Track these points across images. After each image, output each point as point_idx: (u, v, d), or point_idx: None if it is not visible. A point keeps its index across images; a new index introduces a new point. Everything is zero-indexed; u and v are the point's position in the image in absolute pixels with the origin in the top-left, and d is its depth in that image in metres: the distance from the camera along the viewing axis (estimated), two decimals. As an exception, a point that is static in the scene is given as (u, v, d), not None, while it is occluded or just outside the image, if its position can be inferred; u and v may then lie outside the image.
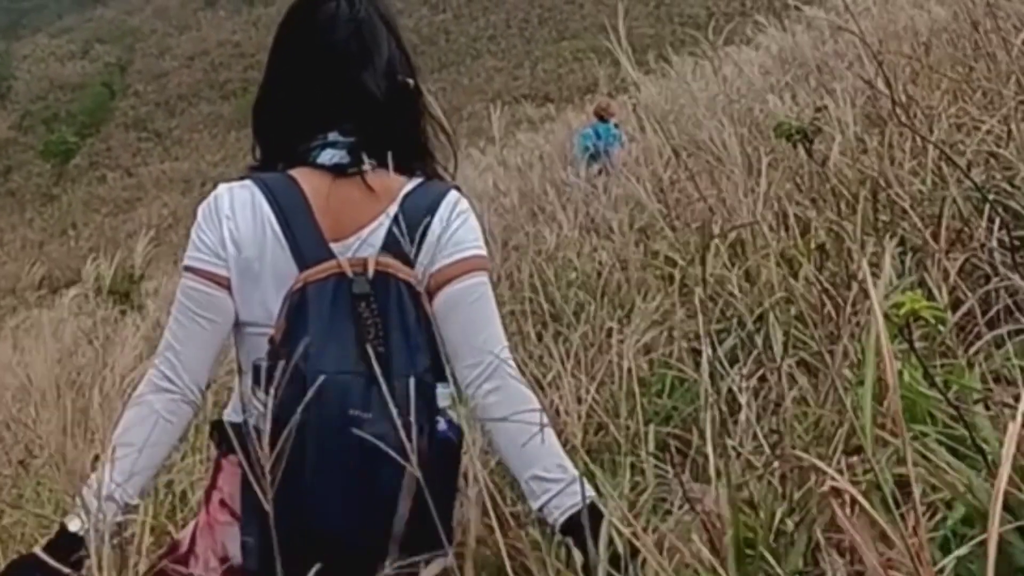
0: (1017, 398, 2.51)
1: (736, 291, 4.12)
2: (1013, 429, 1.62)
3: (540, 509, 2.31)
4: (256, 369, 2.21)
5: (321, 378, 2.08)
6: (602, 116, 13.00)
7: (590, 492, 2.26)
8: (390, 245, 2.28)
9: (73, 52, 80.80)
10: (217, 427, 2.46)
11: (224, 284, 2.30)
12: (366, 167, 2.22)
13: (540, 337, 4.86)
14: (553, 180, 9.80)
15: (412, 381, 2.13)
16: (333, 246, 2.27)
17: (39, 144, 68.67)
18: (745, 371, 3.38)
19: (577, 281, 5.61)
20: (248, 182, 2.35)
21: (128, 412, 2.33)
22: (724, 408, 3.19)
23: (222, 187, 2.37)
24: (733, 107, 6.94)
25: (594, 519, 2.19)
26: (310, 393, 2.04)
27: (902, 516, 1.94)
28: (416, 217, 2.29)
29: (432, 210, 2.32)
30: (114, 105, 73.01)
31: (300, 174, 2.34)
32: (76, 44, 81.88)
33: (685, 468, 3.17)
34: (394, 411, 2.03)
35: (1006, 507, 2.06)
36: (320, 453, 2.12)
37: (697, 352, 3.72)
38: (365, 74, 2.33)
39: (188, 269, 2.34)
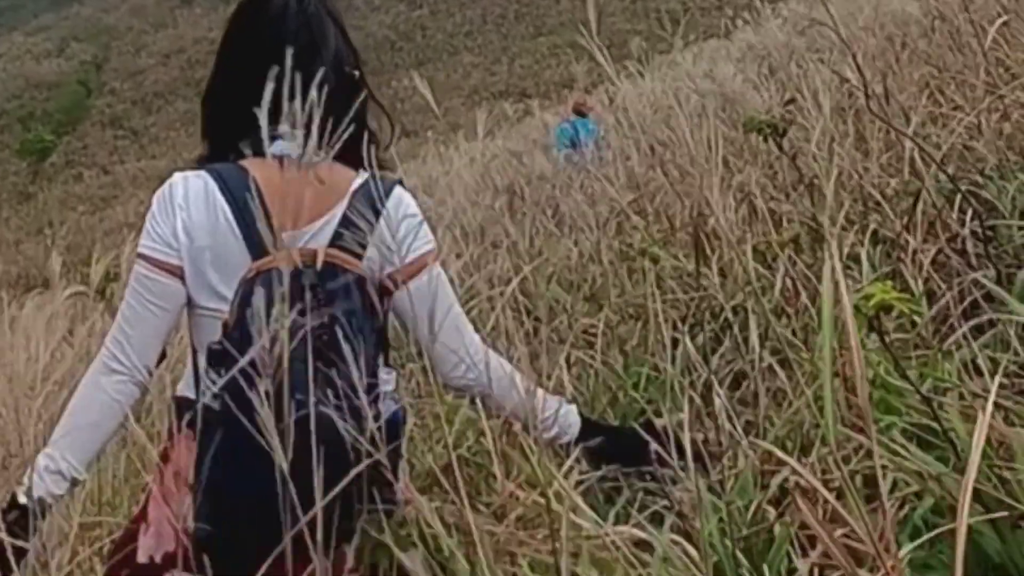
0: (986, 389, 2.53)
1: (712, 284, 4.12)
2: (982, 421, 1.63)
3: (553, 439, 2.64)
4: (210, 351, 2.26)
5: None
6: (580, 111, 13.00)
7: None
8: (339, 239, 2.37)
9: (49, 50, 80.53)
10: (176, 403, 2.52)
11: (175, 272, 2.38)
12: (316, 159, 2.14)
13: (517, 331, 4.85)
14: (530, 175, 9.78)
15: (358, 367, 2.10)
16: (284, 235, 2.21)
17: (15, 143, 68.40)
18: (720, 364, 3.38)
19: (554, 276, 5.60)
20: (202, 172, 2.41)
21: (79, 392, 2.43)
22: (700, 401, 3.19)
23: (176, 176, 2.43)
24: (707, 101, 6.95)
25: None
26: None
27: (872, 509, 1.95)
28: (365, 213, 2.35)
29: (380, 208, 2.39)
30: (90, 103, 72.77)
31: (252, 164, 2.36)
32: (52, 42, 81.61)
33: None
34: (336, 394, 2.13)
35: (976, 498, 2.06)
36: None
37: (673, 346, 3.72)
38: (313, 66, 2.26)
39: (141, 256, 2.41)
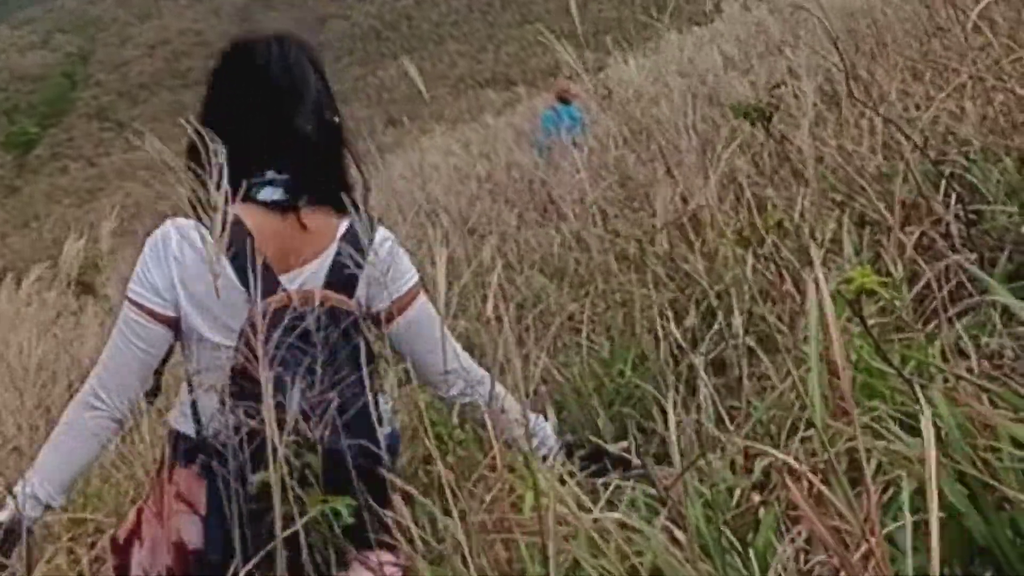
0: (970, 371, 2.53)
1: (696, 269, 4.13)
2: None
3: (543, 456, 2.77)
4: (222, 391, 2.40)
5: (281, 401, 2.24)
6: (564, 98, 12.99)
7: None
8: (332, 280, 2.52)
9: (34, 43, 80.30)
10: (171, 437, 2.63)
11: (163, 320, 2.49)
12: (302, 204, 2.41)
13: (500, 319, 4.85)
14: (516, 163, 9.79)
15: (364, 400, 2.44)
16: (282, 279, 2.47)
17: (0, 136, 68.19)
18: (705, 349, 3.38)
19: (539, 263, 5.61)
20: (193, 221, 2.43)
21: (60, 424, 2.57)
22: (684, 386, 3.20)
23: (169, 227, 2.51)
24: (692, 87, 6.95)
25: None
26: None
27: (857, 493, 1.95)
28: (353, 256, 2.48)
29: (366, 250, 2.47)
30: (75, 95, 72.63)
31: (243, 211, 2.46)
32: (37, 35, 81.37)
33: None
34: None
35: (960, 480, 2.07)
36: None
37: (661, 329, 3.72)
38: (296, 113, 2.52)
39: (131, 302, 2.50)
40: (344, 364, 2.46)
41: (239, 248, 2.42)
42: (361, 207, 2.52)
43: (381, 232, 2.63)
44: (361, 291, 2.57)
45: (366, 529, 2.39)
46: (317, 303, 2.45)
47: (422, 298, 2.69)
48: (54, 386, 6.32)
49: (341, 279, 2.52)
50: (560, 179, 7.44)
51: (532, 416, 2.70)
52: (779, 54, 7.84)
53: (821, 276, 1.67)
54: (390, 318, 2.61)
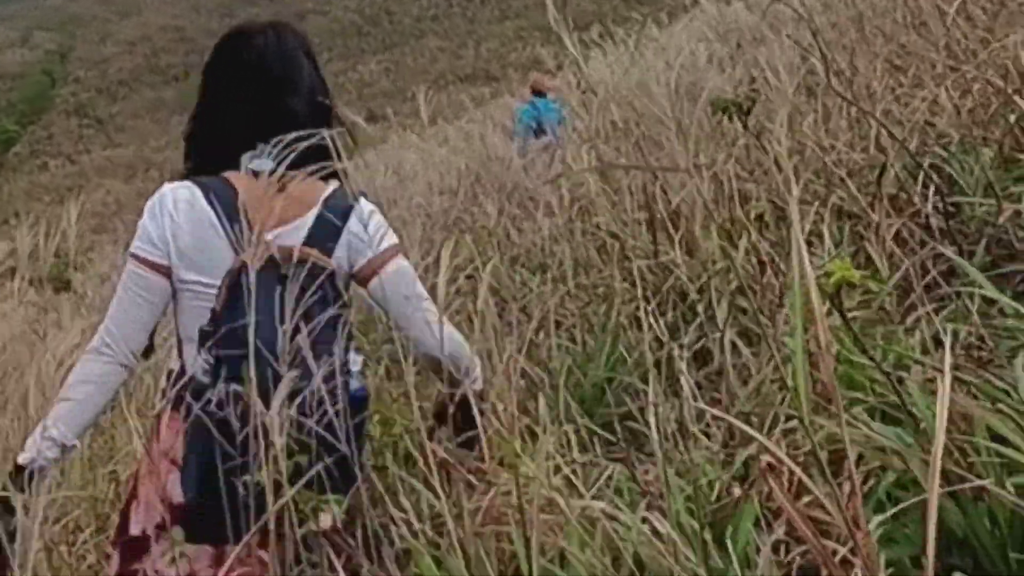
0: (954, 361, 2.55)
1: (677, 263, 4.14)
2: (943, 391, 1.64)
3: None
4: (202, 332, 2.65)
5: (258, 343, 2.39)
6: (539, 91, 13.01)
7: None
8: (312, 238, 2.72)
9: (13, 40, 79.91)
10: (169, 377, 2.84)
11: (161, 271, 2.70)
12: (291, 174, 2.50)
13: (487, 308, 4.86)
14: (494, 158, 9.78)
15: (333, 349, 2.59)
16: (267, 235, 2.61)
17: (-21, 134, 67.91)
18: (687, 341, 3.40)
19: (521, 258, 5.61)
20: (188, 183, 2.73)
21: (74, 371, 2.75)
22: (666, 378, 3.21)
23: (166, 187, 2.76)
24: (673, 80, 6.95)
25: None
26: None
27: (839, 484, 1.96)
28: (335, 217, 2.74)
29: (347, 214, 2.75)
30: (55, 92, 72.32)
31: (234, 177, 2.74)
32: (17, 32, 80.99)
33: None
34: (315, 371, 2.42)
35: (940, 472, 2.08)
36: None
37: (639, 325, 3.73)
38: (290, 98, 2.77)
39: (133, 256, 2.73)
40: (316, 315, 2.57)
41: (226, 205, 2.67)
42: (345, 179, 2.77)
43: (362, 202, 2.80)
44: (342, 252, 2.74)
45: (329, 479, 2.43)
46: (296, 257, 2.59)
47: (400, 259, 2.83)
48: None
49: (321, 238, 2.72)
50: (540, 173, 7.44)
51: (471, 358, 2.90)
52: (759, 47, 7.85)
53: (807, 263, 1.68)
54: (371, 275, 2.77)
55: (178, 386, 2.68)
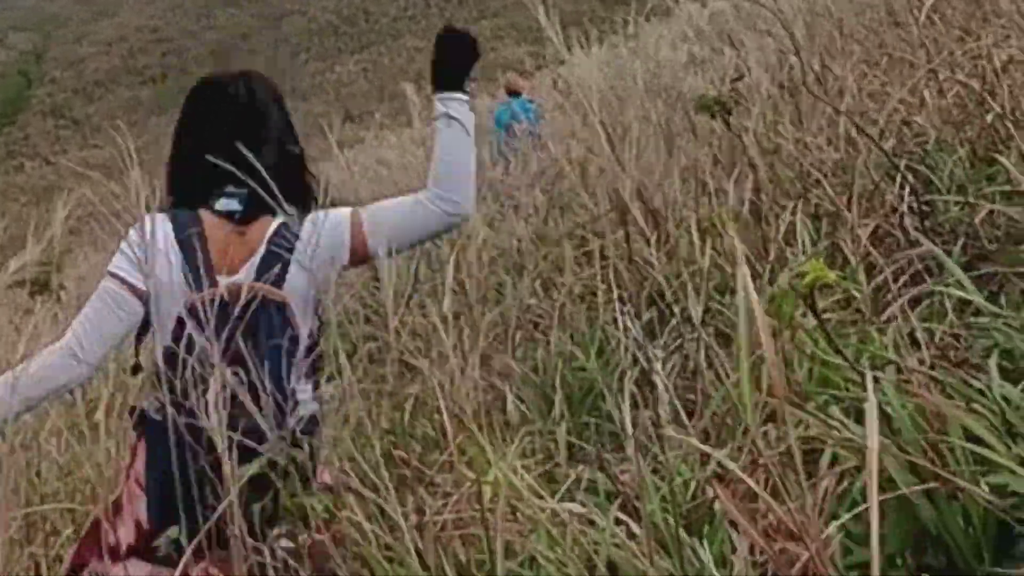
0: (922, 362, 2.56)
1: (655, 263, 4.14)
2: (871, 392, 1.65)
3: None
4: (157, 367, 2.76)
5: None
6: (514, 91, 13.11)
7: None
8: (260, 275, 2.86)
9: (-12, 41, 79.58)
10: (133, 413, 3.02)
11: (137, 293, 2.88)
12: (252, 215, 2.85)
13: (459, 316, 4.87)
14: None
15: (280, 381, 2.72)
16: (221, 276, 2.86)
17: (-44, 135, 67.55)
18: (663, 342, 3.40)
19: (499, 259, 5.61)
20: (165, 215, 2.92)
21: (40, 356, 2.85)
22: (642, 378, 3.21)
23: (152, 216, 2.87)
24: (652, 80, 6.96)
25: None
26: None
27: (813, 484, 1.96)
28: (281, 250, 2.89)
29: (293, 243, 2.90)
30: (31, 93, 71.99)
31: (204, 215, 2.92)
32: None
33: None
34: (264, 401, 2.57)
35: (912, 470, 2.09)
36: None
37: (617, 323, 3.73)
38: (259, 147, 2.85)
39: (111, 275, 2.90)
40: (265, 347, 2.77)
41: (191, 247, 2.86)
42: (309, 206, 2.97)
43: (310, 215, 2.94)
44: (296, 279, 2.89)
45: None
46: (244, 295, 2.73)
47: (362, 214, 2.98)
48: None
49: (269, 273, 2.86)
50: (518, 173, 7.45)
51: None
52: (739, 47, 7.86)
53: (747, 273, 1.68)
54: (362, 242, 2.94)
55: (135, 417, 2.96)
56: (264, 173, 2.71)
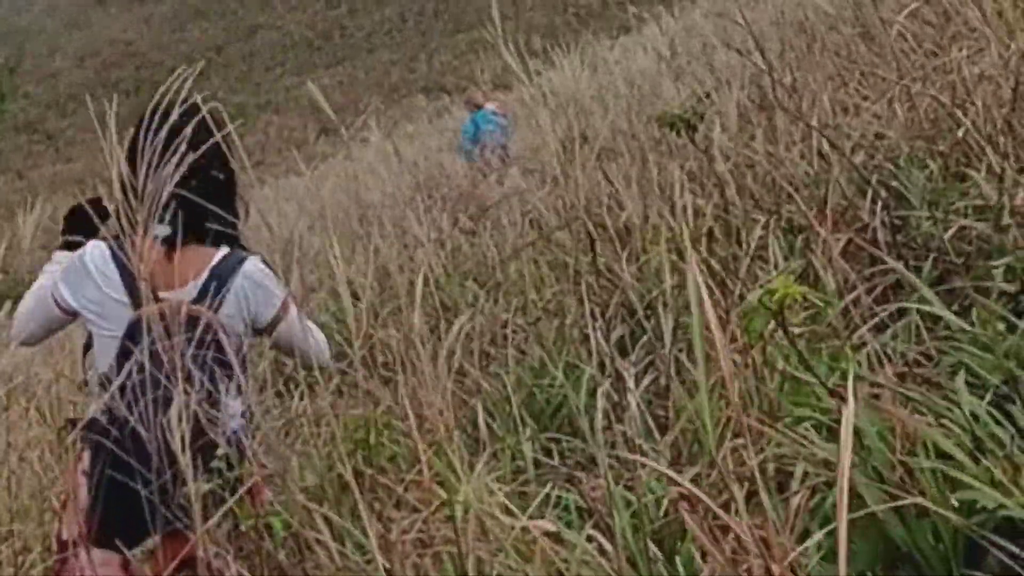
0: (898, 376, 2.56)
1: (627, 279, 4.14)
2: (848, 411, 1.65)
3: None
4: (102, 377, 3.17)
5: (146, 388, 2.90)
6: (478, 106, 13.32)
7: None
8: (201, 297, 3.23)
9: (-40, 55, 79.18)
10: (69, 424, 3.39)
11: (64, 309, 3.34)
12: (185, 240, 3.16)
13: (433, 331, 4.86)
14: (448, 171, 9.80)
15: (214, 393, 3.02)
16: (162, 294, 3.16)
17: (-72, 149, 67.19)
18: (634, 358, 3.39)
19: (472, 273, 5.61)
20: (103, 244, 3.29)
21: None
22: (615, 395, 3.20)
23: (90, 244, 3.32)
24: (624, 95, 6.98)
25: None
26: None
27: (784, 499, 1.96)
28: (222, 279, 3.27)
29: (234, 275, 3.29)
30: (3, 107, 71.66)
31: (140, 241, 3.08)
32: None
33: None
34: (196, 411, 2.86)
35: (882, 487, 2.09)
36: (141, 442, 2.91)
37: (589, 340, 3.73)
38: (185, 175, 3.02)
39: (54, 287, 3.35)
40: (200, 361, 3.04)
41: (128, 271, 3.17)
42: (239, 242, 3.40)
43: (249, 263, 3.34)
44: (232, 309, 3.27)
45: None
46: (183, 314, 3.06)
47: (291, 311, 3.38)
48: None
49: (208, 297, 3.22)
50: (491, 186, 7.45)
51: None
52: (709, 61, 7.88)
53: (705, 295, 1.68)
54: (271, 329, 3.40)
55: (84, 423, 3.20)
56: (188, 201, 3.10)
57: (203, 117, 3.26)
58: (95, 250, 3.30)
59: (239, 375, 3.14)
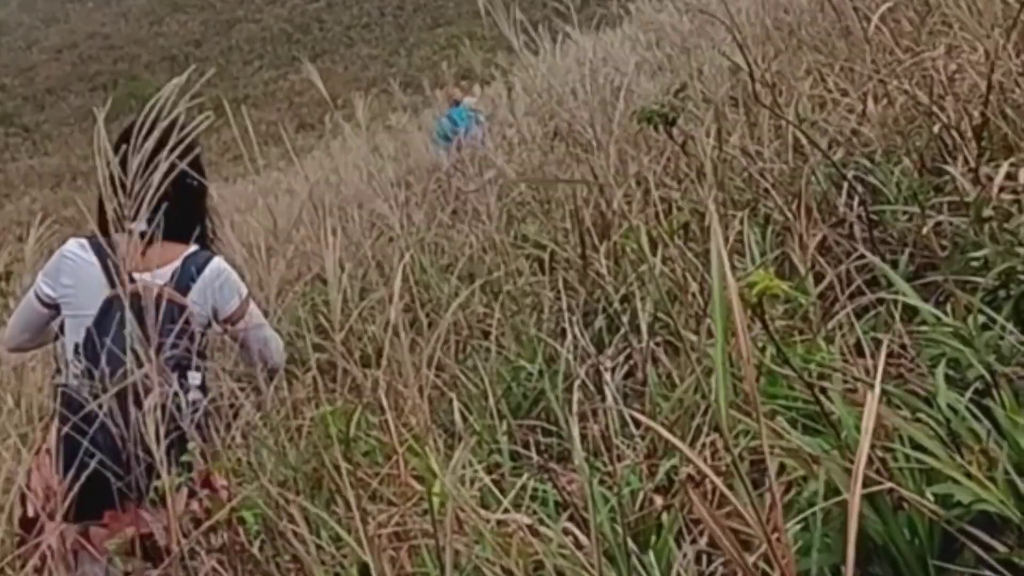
0: (870, 371, 2.55)
1: (604, 272, 4.14)
2: (871, 404, 1.64)
3: None
4: (76, 347, 3.51)
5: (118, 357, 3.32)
6: (456, 101, 13.39)
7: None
8: (171, 283, 3.59)
9: (-65, 48, 78.75)
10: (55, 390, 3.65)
11: (46, 303, 3.70)
12: (158, 236, 3.41)
13: (412, 323, 4.86)
14: (426, 165, 9.79)
15: (176, 364, 3.44)
16: (136, 275, 3.46)
17: (-96, 142, 66.79)
18: (611, 352, 3.39)
19: (451, 268, 5.60)
20: (84, 240, 3.67)
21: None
22: (592, 388, 3.20)
23: (71, 241, 3.70)
24: (603, 89, 6.97)
25: None
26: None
27: (760, 495, 1.95)
28: (192, 270, 3.66)
29: (202, 269, 3.68)
30: (-21, 101, 71.32)
31: (118, 237, 3.48)
32: (-61, 39, 79.82)
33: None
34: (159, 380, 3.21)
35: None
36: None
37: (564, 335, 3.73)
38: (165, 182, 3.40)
39: (35, 291, 3.72)
40: (165, 336, 3.42)
41: (107, 259, 3.53)
42: (208, 239, 3.81)
43: (215, 261, 3.74)
44: (197, 297, 3.64)
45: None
46: (155, 294, 3.42)
47: (252, 304, 3.80)
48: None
49: (178, 284, 3.61)
50: (470, 180, 7.44)
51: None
52: (688, 56, 7.88)
53: (729, 273, 1.67)
54: (230, 322, 3.73)
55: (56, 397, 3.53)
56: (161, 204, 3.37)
57: (181, 132, 3.57)
58: (73, 243, 3.69)
59: (197, 353, 3.56)
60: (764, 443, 1.70)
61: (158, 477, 3.08)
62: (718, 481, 1.88)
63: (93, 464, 3.15)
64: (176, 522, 3.00)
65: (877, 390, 1.68)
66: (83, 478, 3.11)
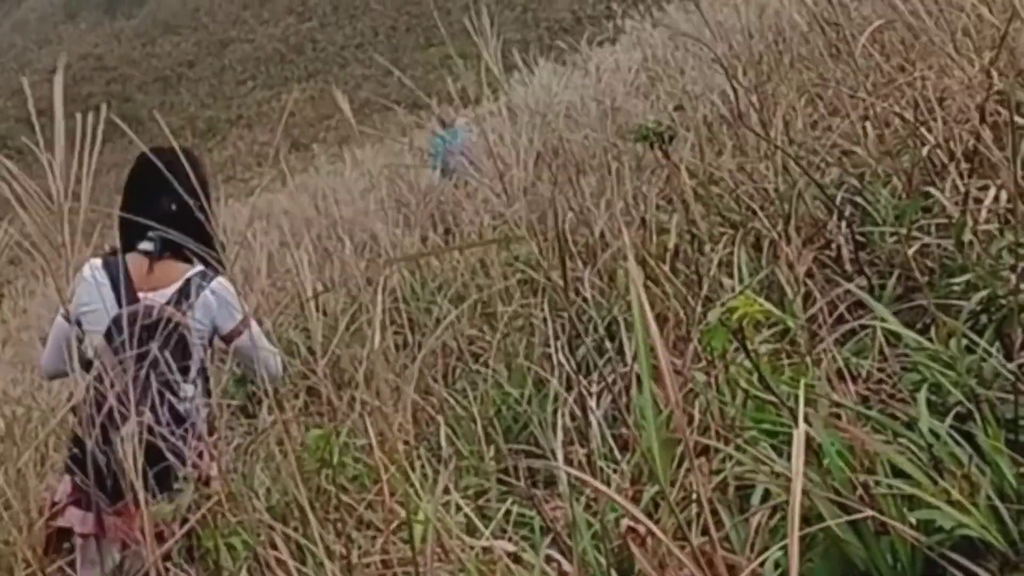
0: (859, 395, 2.56)
1: (592, 296, 4.14)
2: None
3: None
4: (87, 362, 3.70)
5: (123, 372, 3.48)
6: (445, 123, 13.42)
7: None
8: (173, 301, 3.83)
9: (-72, 71, 78.73)
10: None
11: (69, 319, 3.77)
12: (165, 255, 3.86)
13: (404, 345, 4.86)
14: (418, 186, 9.80)
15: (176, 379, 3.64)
16: (142, 295, 3.80)
17: None
18: (597, 376, 3.39)
19: (443, 291, 5.60)
20: (99, 260, 3.93)
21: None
22: (579, 412, 3.20)
23: (88, 262, 3.91)
24: (595, 110, 6.98)
25: None
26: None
27: (744, 519, 1.95)
28: (193, 289, 3.87)
29: (202, 288, 3.89)
30: (-28, 124, 71.35)
31: (129, 256, 3.91)
32: (-69, 62, 79.82)
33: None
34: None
35: (842, 507, 2.08)
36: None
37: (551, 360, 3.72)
38: (173, 206, 3.73)
39: (61, 308, 3.89)
40: (170, 354, 3.64)
41: (118, 280, 3.84)
42: (211, 260, 3.76)
43: (218, 280, 3.93)
44: (200, 315, 3.86)
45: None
46: (156, 312, 3.71)
47: (253, 322, 3.96)
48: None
49: (180, 302, 3.83)
50: (461, 201, 7.45)
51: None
52: (680, 77, 7.90)
53: (651, 318, 1.67)
54: (230, 339, 3.95)
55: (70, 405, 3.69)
56: (168, 225, 3.55)
57: (190, 155, 3.92)
58: (91, 262, 3.94)
59: (194, 366, 3.80)
60: (701, 475, 1.70)
61: (162, 475, 3.28)
62: (660, 533, 1.88)
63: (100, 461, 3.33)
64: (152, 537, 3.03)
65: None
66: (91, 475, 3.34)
